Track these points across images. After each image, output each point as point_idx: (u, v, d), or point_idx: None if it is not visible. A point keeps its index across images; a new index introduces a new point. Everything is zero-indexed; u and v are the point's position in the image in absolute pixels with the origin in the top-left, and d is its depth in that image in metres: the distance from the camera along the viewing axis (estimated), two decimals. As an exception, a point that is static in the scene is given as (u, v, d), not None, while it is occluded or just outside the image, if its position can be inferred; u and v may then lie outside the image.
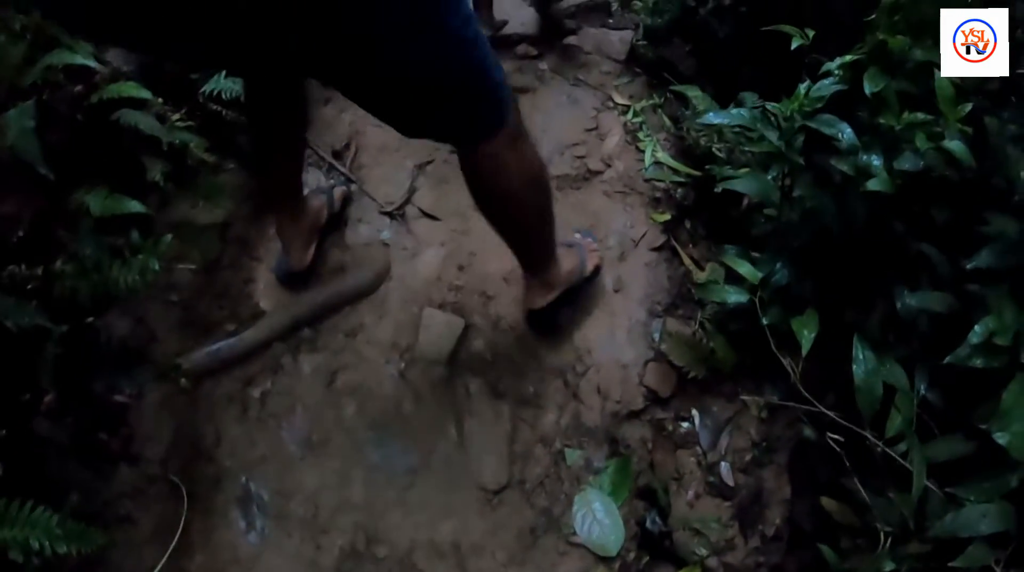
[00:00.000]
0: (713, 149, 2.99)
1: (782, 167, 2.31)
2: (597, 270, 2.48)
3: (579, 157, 3.12)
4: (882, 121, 2.10)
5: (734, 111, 2.33)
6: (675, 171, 3.11)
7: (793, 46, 2.27)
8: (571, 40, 3.63)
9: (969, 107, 1.96)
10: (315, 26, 1.07)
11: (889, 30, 2.21)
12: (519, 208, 1.77)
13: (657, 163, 3.14)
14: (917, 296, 2.07)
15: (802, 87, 2.24)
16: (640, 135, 3.24)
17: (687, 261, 2.79)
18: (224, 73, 2.44)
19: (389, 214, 2.69)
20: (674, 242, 2.83)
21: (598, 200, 2.88)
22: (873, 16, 2.34)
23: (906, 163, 2.03)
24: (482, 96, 1.45)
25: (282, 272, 2.39)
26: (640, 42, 3.66)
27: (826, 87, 2.22)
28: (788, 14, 3.01)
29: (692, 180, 3.06)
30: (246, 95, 2.01)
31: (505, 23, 3.71)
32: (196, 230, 2.46)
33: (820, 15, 2.71)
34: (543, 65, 3.61)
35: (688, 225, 2.99)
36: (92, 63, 2.13)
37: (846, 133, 2.11)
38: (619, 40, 3.64)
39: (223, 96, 2.46)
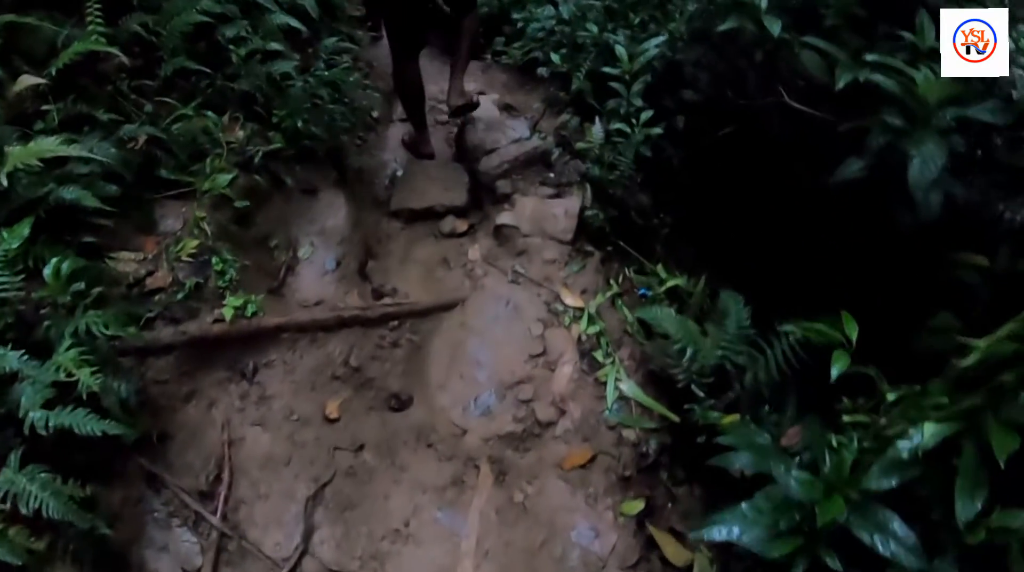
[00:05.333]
0: (692, 387, 2.41)
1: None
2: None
3: (525, 401, 2.50)
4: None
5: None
6: (644, 409, 2.51)
7: (834, 374, 1.66)
8: (506, 219, 3.00)
9: None
10: None
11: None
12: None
13: (622, 398, 2.54)
14: None
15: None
16: (598, 356, 2.63)
17: (670, 550, 2.19)
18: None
19: (282, 578, 2.03)
20: (650, 527, 2.23)
21: (551, 489, 2.26)
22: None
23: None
24: None
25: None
26: (590, 211, 3.04)
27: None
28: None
29: (667, 424, 2.46)
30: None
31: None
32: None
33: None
34: (474, 252, 2.99)
35: (669, 483, 2.40)
36: None
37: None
38: (564, 213, 3.01)
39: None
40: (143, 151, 2.59)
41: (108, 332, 1.89)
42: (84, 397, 1.77)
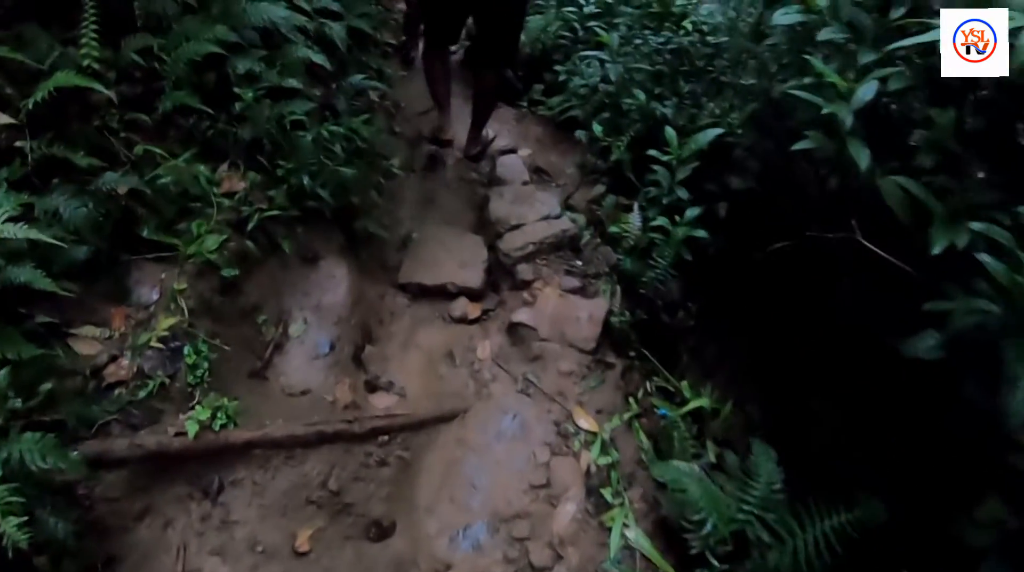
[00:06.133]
0: (706, 553, 2.12)
1: None
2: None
3: (519, 539, 2.21)
4: None
5: None
6: (649, 563, 2.22)
7: None
8: (524, 316, 2.69)
9: None
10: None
11: None
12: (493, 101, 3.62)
13: (627, 547, 2.25)
14: None
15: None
16: (607, 494, 2.34)
17: None
18: None
19: None
20: None
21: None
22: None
23: None
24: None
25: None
26: (616, 317, 2.74)
27: None
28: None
29: (675, 587, 2.17)
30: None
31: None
32: None
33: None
34: (484, 349, 2.68)
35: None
36: None
37: None
38: (588, 318, 2.70)
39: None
40: (123, 205, 2.30)
41: (44, 465, 1.60)
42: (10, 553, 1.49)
